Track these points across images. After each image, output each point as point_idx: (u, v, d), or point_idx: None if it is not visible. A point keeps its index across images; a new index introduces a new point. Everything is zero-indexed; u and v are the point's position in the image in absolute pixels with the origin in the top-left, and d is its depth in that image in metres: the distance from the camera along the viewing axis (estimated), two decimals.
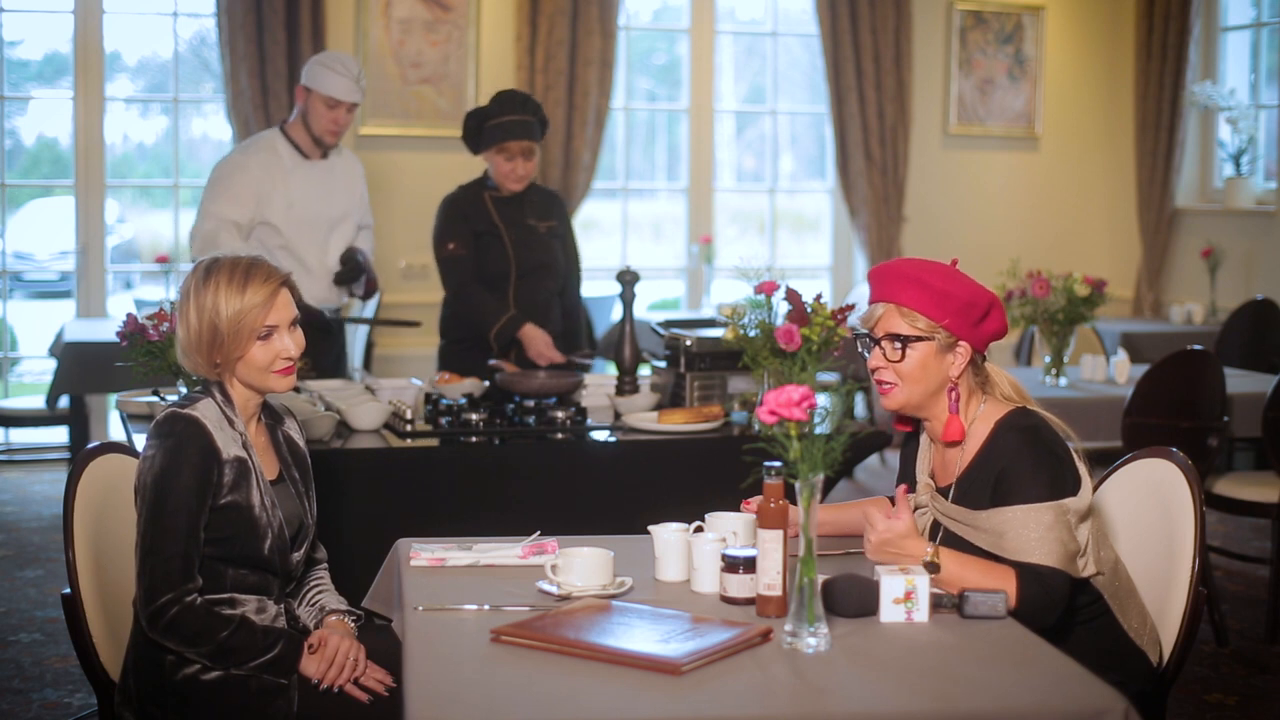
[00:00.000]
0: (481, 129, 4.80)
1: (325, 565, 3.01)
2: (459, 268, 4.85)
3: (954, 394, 2.73)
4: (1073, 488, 2.65)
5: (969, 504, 2.69)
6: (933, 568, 2.55)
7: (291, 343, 2.75)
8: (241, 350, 2.71)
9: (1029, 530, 2.59)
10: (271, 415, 2.89)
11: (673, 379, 4.33)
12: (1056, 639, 2.58)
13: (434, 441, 3.95)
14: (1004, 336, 2.79)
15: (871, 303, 2.77)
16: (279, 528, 2.75)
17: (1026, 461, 2.63)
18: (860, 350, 2.80)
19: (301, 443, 2.93)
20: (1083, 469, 2.70)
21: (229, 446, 2.70)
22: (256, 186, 4.86)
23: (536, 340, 4.75)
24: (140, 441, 3.74)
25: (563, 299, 5.06)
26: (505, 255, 4.83)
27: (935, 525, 2.77)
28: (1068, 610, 2.65)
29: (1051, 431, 2.70)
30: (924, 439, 2.88)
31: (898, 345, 2.70)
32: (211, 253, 4.85)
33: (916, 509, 2.81)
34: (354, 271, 4.95)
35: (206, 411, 2.71)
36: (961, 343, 2.71)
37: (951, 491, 2.74)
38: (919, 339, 2.70)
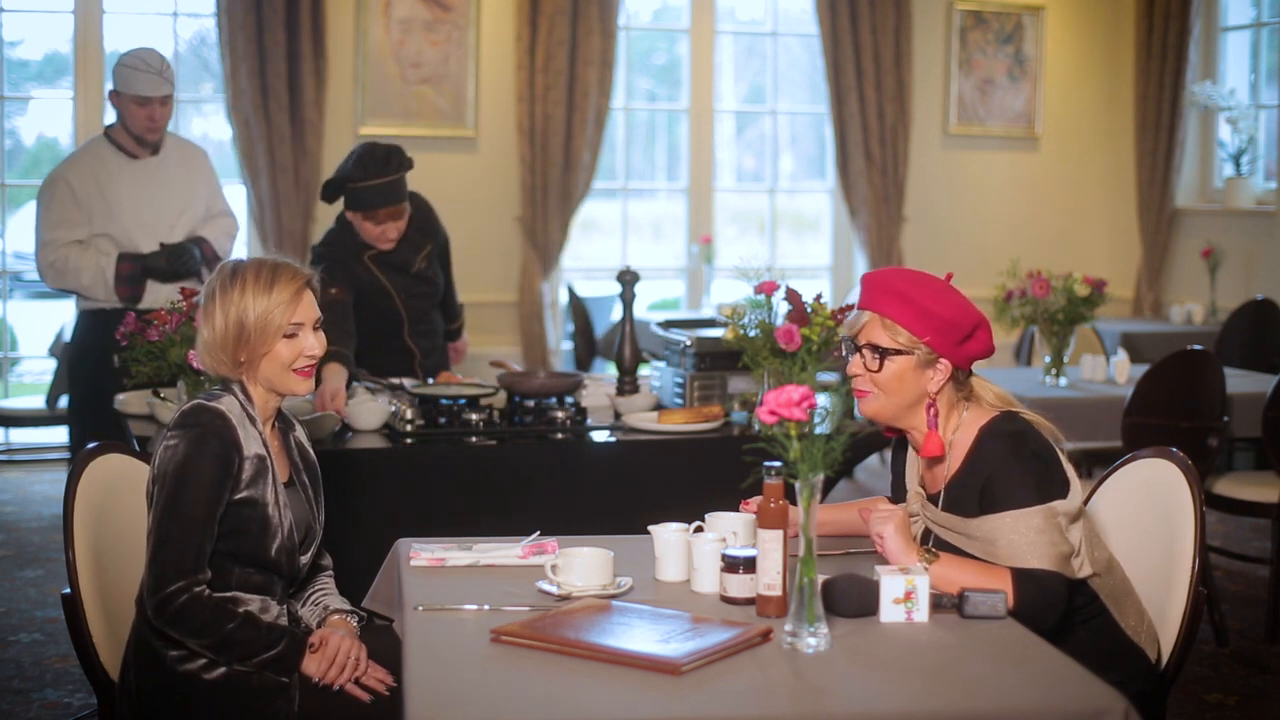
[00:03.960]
0: (343, 189, 4.43)
1: (330, 572, 3.02)
2: (333, 313, 4.06)
3: (932, 410, 2.73)
4: (1060, 490, 2.65)
5: (959, 511, 2.69)
6: (931, 555, 2.57)
7: (315, 342, 2.78)
8: (267, 347, 2.73)
9: (1019, 535, 2.59)
10: (284, 421, 2.92)
11: (673, 379, 4.33)
12: (1056, 640, 2.58)
13: (434, 442, 3.95)
14: (989, 356, 2.78)
15: (859, 308, 2.78)
16: (289, 529, 2.76)
17: (1012, 467, 2.63)
18: (844, 354, 2.80)
19: (311, 450, 2.95)
20: (1070, 471, 2.70)
21: (250, 443, 2.72)
22: (80, 198, 4.85)
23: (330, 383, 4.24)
24: (140, 442, 3.75)
25: (443, 308, 4.84)
26: (396, 313, 4.60)
27: (927, 533, 2.77)
28: (1066, 612, 2.65)
29: (1036, 435, 2.69)
30: (911, 445, 2.88)
31: (876, 356, 2.71)
32: (63, 276, 4.84)
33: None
34: (175, 260, 4.84)
35: (230, 406, 2.73)
36: (942, 360, 2.71)
37: (941, 499, 2.74)
38: (898, 352, 2.70)
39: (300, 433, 2.96)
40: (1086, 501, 2.91)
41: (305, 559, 2.85)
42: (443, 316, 4.90)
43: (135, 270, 4.83)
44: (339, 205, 4.72)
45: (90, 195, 4.86)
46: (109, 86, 4.93)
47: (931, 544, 2.72)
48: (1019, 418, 2.72)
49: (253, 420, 2.75)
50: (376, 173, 4.39)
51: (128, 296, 4.81)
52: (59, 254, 4.85)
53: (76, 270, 4.83)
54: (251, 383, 2.78)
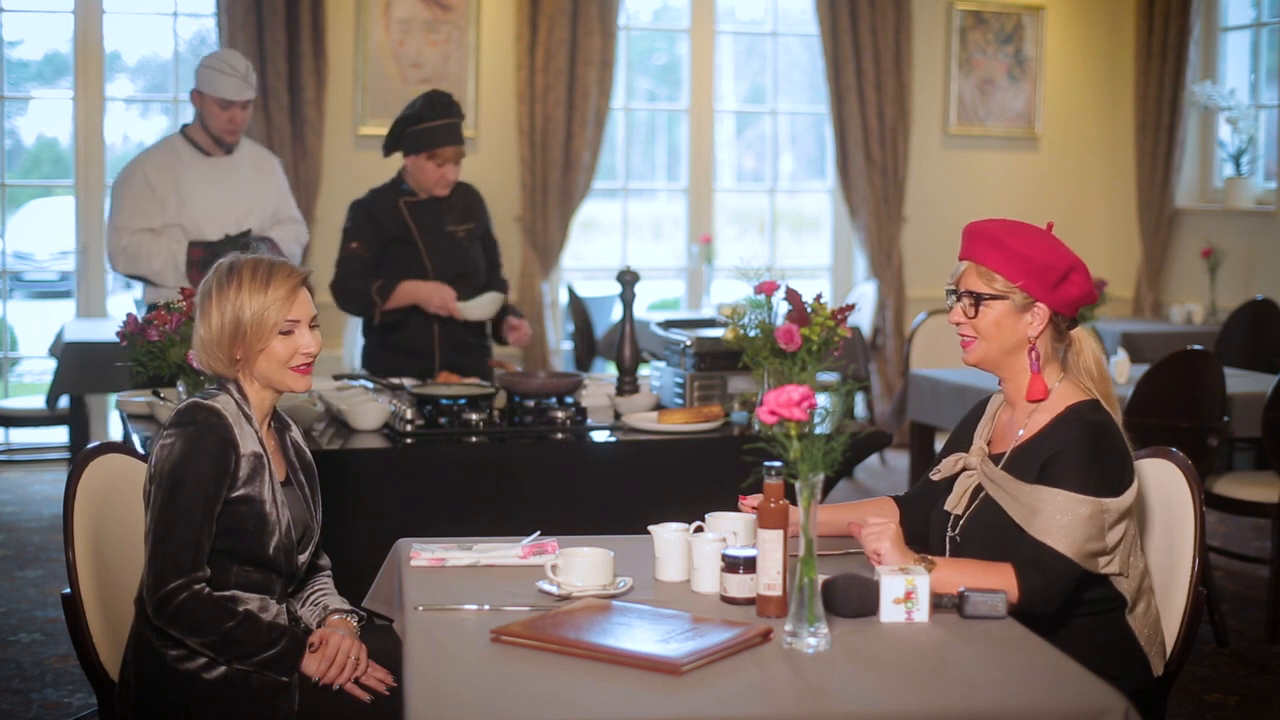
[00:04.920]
0: (406, 133, 4.67)
1: (329, 572, 3.02)
2: (352, 264, 4.67)
3: (1034, 354, 2.76)
4: (1119, 490, 2.66)
5: (1017, 475, 2.71)
6: (929, 563, 2.58)
7: (311, 340, 2.79)
8: (264, 343, 2.74)
9: (1063, 515, 2.61)
10: (280, 421, 2.92)
11: (673, 379, 4.33)
12: (1061, 625, 2.59)
13: (434, 442, 3.95)
14: (1092, 302, 2.82)
15: (959, 260, 2.83)
16: (286, 527, 2.76)
17: (1084, 453, 2.65)
18: (947, 305, 2.85)
19: (307, 450, 2.96)
20: (1135, 473, 2.72)
21: (246, 441, 2.73)
22: (156, 189, 5.05)
23: (434, 291, 4.62)
24: (140, 441, 3.75)
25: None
26: (421, 264, 4.71)
27: (978, 488, 2.78)
28: (1079, 602, 2.66)
29: (1117, 431, 2.72)
30: (990, 406, 2.91)
31: (973, 303, 2.76)
32: (134, 261, 5.00)
33: (964, 470, 2.83)
34: (243, 251, 4.94)
35: (226, 405, 2.74)
36: (1039, 304, 2.75)
37: (1004, 459, 2.76)
38: (994, 297, 2.75)
39: (296, 433, 2.96)
40: None
41: (303, 558, 2.85)
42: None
43: (207, 256, 4.94)
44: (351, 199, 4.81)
45: (165, 187, 5.05)
46: (191, 85, 5.11)
47: (980, 501, 2.74)
48: (1106, 411, 2.74)
49: (249, 419, 2.76)
50: (444, 112, 4.67)
51: (199, 281, 4.90)
52: (131, 239, 5.03)
53: (149, 256, 5.03)
54: (248, 381, 2.78)
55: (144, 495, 2.74)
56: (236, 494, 2.70)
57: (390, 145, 4.74)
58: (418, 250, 4.71)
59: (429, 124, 4.64)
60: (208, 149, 5.13)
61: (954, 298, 2.81)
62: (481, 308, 4.67)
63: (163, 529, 2.64)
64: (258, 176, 5.23)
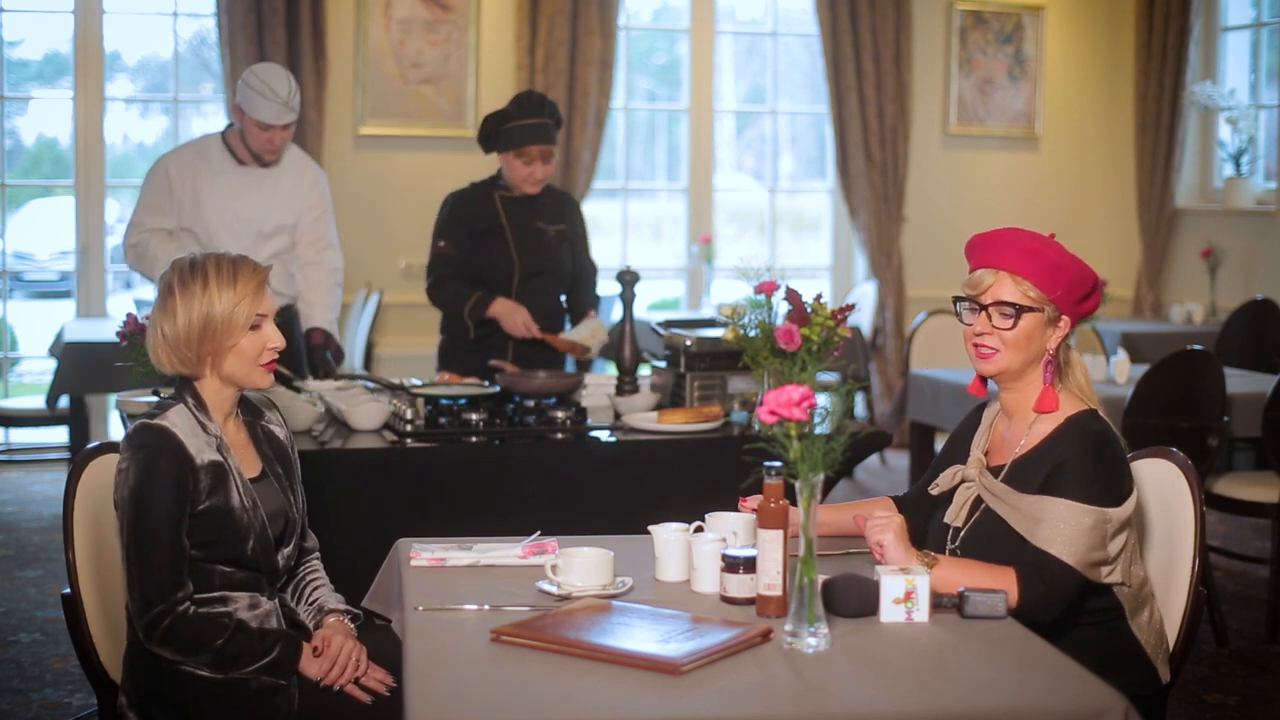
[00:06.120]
0: (497, 131, 4.76)
1: (317, 555, 3.00)
2: (443, 264, 4.81)
3: (1051, 367, 2.74)
4: (1121, 499, 2.66)
5: (1017, 486, 2.70)
6: (931, 559, 2.57)
7: (274, 334, 2.78)
8: (234, 340, 2.72)
9: (1066, 525, 2.60)
10: (250, 411, 2.89)
11: (673, 379, 4.33)
12: (1063, 633, 2.58)
13: (434, 442, 3.95)
14: (1089, 317, 2.83)
15: (977, 269, 2.76)
16: (261, 527, 2.75)
17: (1088, 463, 2.64)
18: (958, 314, 2.79)
19: (283, 435, 2.93)
20: (1134, 481, 2.72)
21: (202, 452, 2.70)
22: (175, 189, 4.87)
23: (511, 314, 4.73)
24: None
25: (571, 302, 5.00)
26: (508, 255, 4.80)
27: (977, 500, 2.77)
28: (1081, 612, 2.66)
29: (1117, 439, 2.72)
30: (986, 416, 2.89)
31: (1010, 314, 2.71)
32: (140, 260, 4.88)
33: (962, 482, 2.82)
34: (320, 355, 4.87)
35: (177, 420, 2.70)
36: (1064, 318, 2.74)
37: (1004, 471, 2.75)
38: (1030, 309, 2.71)
39: (272, 417, 2.93)
40: None
41: (287, 551, 2.83)
42: (571, 313, 5.01)
43: None
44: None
45: (183, 189, 4.88)
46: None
47: (980, 514, 2.74)
48: (1103, 420, 2.74)
49: (204, 427, 2.73)
50: (532, 112, 4.75)
51: None
52: (142, 238, 4.89)
53: (153, 259, 4.85)
54: (211, 377, 2.76)
55: (116, 517, 2.72)
56: (202, 507, 2.69)
57: (484, 142, 4.82)
58: (506, 242, 4.80)
59: (517, 122, 4.74)
60: (242, 159, 4.88)
61: (975, 309, 2.75)
62: (582, 336, 4.82)
63: (135, 556, 2.63)
64: (292, 192, 4.97)
